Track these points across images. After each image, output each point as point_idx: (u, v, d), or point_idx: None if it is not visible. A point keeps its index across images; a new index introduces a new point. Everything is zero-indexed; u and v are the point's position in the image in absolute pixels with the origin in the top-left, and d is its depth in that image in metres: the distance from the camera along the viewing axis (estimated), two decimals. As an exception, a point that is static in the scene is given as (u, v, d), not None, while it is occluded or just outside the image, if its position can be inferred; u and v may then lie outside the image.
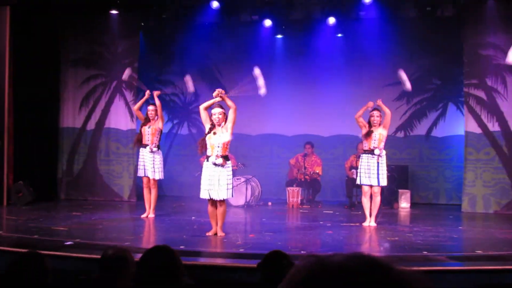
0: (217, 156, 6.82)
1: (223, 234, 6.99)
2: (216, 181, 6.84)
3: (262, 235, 7.43)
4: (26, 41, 10.13)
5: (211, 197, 6.91)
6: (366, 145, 7.98)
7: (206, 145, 6.92)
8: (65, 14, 10.92)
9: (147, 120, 8.56)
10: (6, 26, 9.74)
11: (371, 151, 7.86)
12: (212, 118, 6.87)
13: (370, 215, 7.93)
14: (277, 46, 11.89)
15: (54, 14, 10.73)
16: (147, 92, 8.70)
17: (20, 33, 10.00)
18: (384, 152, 7.86)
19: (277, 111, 11.57)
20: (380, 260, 0.74)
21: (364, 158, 7.94)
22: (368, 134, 7.89)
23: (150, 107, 8.61)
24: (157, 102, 8.59)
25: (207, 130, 6.96)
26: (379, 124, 7.91)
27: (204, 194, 6.94)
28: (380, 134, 7.88)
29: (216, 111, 6.85)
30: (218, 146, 6.85)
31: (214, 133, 6.87)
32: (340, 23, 11.09)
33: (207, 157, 6.92)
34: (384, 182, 7.95)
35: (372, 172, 7.84)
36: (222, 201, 6.97)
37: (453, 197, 10.88)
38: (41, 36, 10.56)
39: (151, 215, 8.50)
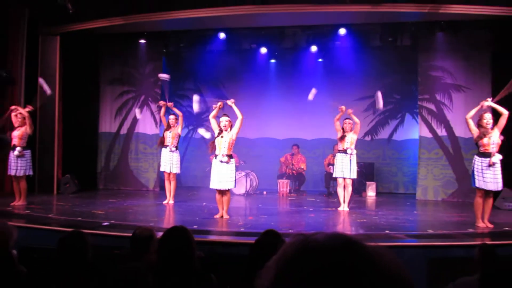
0: (223, 155, 6.83)
1: (227, 216, 6.99)
2: (222, 175, 6.85)
3: (259, 217, 7.44)
4: (72, 64, 10.12)
5: (219, 187, 6.92)
6: (340, 146, 7.99)
7: (215, 146, 6.93)
8: (104, 42, 10.93)
9: (168, 127, 8.59)
10: (56, 51, 9.76)
11: (344, 151, 7.86)
12: (220, 125, 6.88)
13: (344, 202, 7.93)
14: (270, 68, 11.86)
15: (95, 42, 10.73)
16: (162, 103, 8.72)
17: (67, 57, 10.00)
18: (354, 152, 7.87)
19: (270, 120, 11.59)
20: (353, 238, 0.73)
21: (339, 156, 7.94)
22: (342, 138, 7.92)
23: (171, 117, 8.64)
24: (179, 113, 8.63)
25: (216, 134, 6.96)
26: (351, 130, 7.93)
27: (213, 185, 6.93)
28: (351, 137, 7.90)
29: (224, 119, 6.89)
30: (225, 147, 6.86)
31: (222, 137, 6.87)
32: (321, 50, 11.08)
33: (216, 156, 6.92)
34: (354, 175, 7.96)
35: (345, 167, 7.84)
36: (227, 191, 6.99)
37: (409, 188, 10.86)
38: (84, 60, 10.55)
39: (171, 202, 8.49)
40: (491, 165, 6.19)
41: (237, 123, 6.88)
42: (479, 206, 6.38)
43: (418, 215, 7.99)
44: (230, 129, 6.90)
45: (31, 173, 8.11)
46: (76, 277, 2.82)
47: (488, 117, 6.26)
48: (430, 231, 6.17)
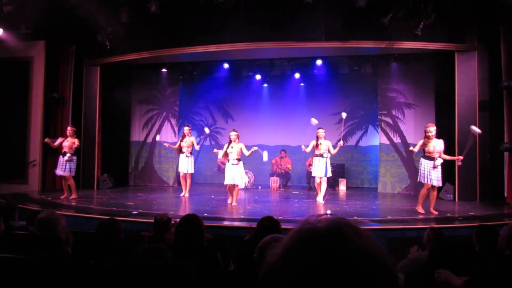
0: (234, 159, 7.14)
1: (236, 204, 7.14)
2: (234, 174, 7.15)
3: (255, 206, 7.39)
4: (110, 88, 10.05)
5: (232, 183, 7.18)
6: (317, 151, 7.90)
7: (228, 154, 7.22)
8: (134, 71, 10.89)
9: (183, 136, 8.54)
10: (97, 78, 9.71)
11: (321, 155, 7.79)
12: (231, 138, 7.09)
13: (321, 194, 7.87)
14: (264, 91, 11.85)
15: (127, 71, 10.71)
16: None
17: (106, 83, 9.94)
18: (329, 155, 7.81)
19: (264, 130, 11.55)
20: (346, 229, 0.69)
21: (316, 159, 7.86)
22: (317, 145, 7.80)
23: (186, 128, 8.58)
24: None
25: (225, 146, 7.27)
26: (324, 138, 7.80)
27: (227, 181, 7.21)
28: (326, 144, 7.76)
29: (233, 133, 7.32)
30: (235, 154, 7.20)
31: (232, 147, 7.12)
32: (302, 77, 11.12)
33: (228, 160, 7.22)
34: (329, 174, 7.88)
35: (322, 167, 7.77)
36: (237, 185, 7.22)
37: (372, 183, 10.83)
38: (119, 85, 10.49)
39: (186, 195, 8.43)
40: (435, 167, 6.24)
41: (244, 150, 7.23)
42: (423, 196, 6.46)
43: (380, 204, 7.97)
44: (238, 142, 7.19)
45: (73, 173, 7.90)
46: (110, 254, 2.77)
47: (433, 129, 6.32)
48: (389, 217, 6.14)
